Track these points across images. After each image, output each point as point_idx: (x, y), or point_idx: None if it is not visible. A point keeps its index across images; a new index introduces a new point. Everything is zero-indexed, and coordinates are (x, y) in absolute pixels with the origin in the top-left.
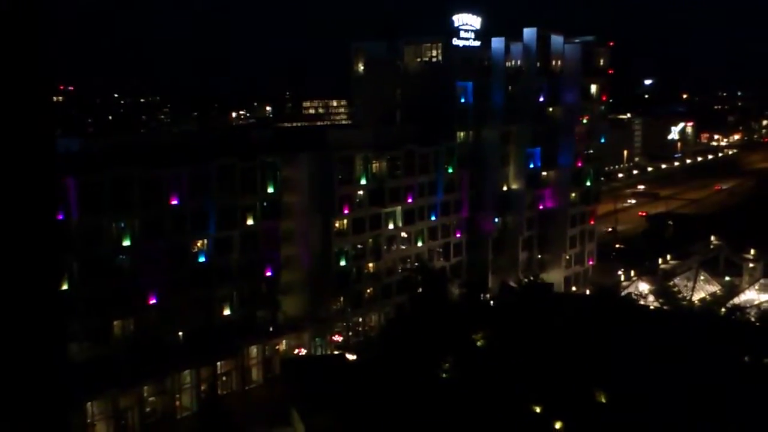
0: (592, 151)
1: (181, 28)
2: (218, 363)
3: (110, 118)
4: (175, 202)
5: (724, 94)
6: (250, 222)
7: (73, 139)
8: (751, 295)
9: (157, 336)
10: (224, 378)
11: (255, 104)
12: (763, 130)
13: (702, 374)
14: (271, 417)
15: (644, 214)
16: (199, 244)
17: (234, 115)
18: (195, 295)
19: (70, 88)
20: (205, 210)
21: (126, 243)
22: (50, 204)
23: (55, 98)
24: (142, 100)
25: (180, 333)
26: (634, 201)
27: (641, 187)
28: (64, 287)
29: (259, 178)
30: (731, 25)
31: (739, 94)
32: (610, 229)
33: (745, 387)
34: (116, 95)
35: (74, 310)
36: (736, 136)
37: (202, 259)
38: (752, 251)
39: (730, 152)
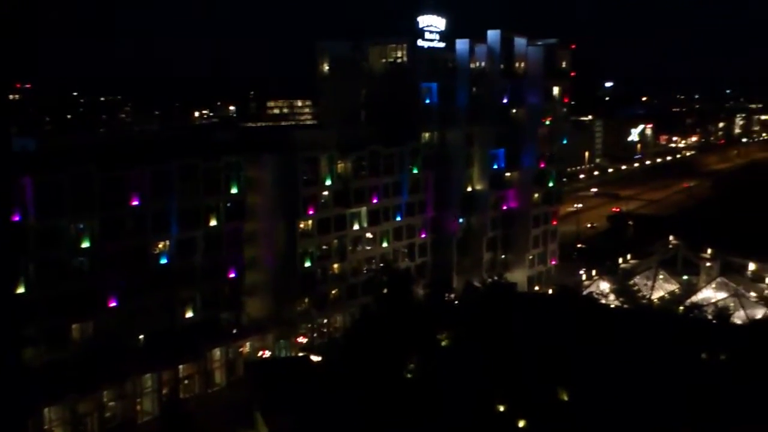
0: (554, 153)
1: (144, 25)
2: (180, 366)
3: (69, 116)
4: (136, 203)
5: (682, 97)
6: (213, 223)
7: (30, 138)
8: (708, 294)
9: (118, 339)
10: (186, 381)
11: (218, 103)
12: (720, 133)
13: (661, 371)
14: (234, 420)
15: (618, 209)
16: (160, 246)
17: (197, 114)
18: (156, 297)
19: (27, 85)
20: (167, 211)
21: (85, 244)
22: (3, 204)
23: (11, 96)
24: (102, 98)
25: (141, 336)
26: (580, 205)
27: (594, 190)
28: (20, 290)
29: (223, 179)
30: (690, 30)
31: (697, 97)
32: (590, 225)
33: (703, 383)
34: (75, 93)
35: (31, 313)
36: (694, 138)
37: (164, 261)
38: (709, 251)
39: (688, 154)
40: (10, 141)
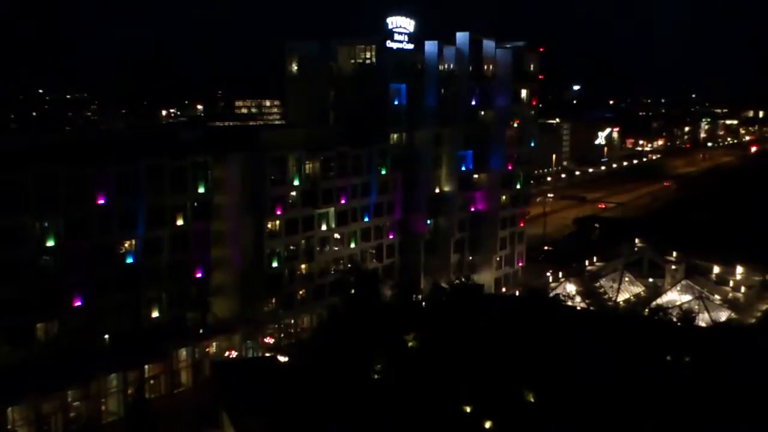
0: (522, 155)
1: (110, 24)
2: (146, 366)
3: (34, 114)
4: (101, 202)
5: (649, 100)
6: (180, 222)
7: None
8: (673, 296)
9: (83, 339)
10: (152, 381)
11: (186, 102)
12: (686, 137)
13: (626, 373)
14: (200, 420)
15: (604, 206)
16: (126, 245)
17: (164, 113)
18: (122, 296)
19: None
20: (133, 210)
21: (50, 243)
22: None
23: None
24: (68, 96)
25: (106, 335)
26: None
27: (550, 196)
28: None
29: (190, 178)
30: (656, 33)
31: (663, 101)
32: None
33: (667, 385)
34: (41, 91)
35: None
36: (660, 142)
37: (130, 260)
38: (674, 254)
39: (654, 157)
40: None
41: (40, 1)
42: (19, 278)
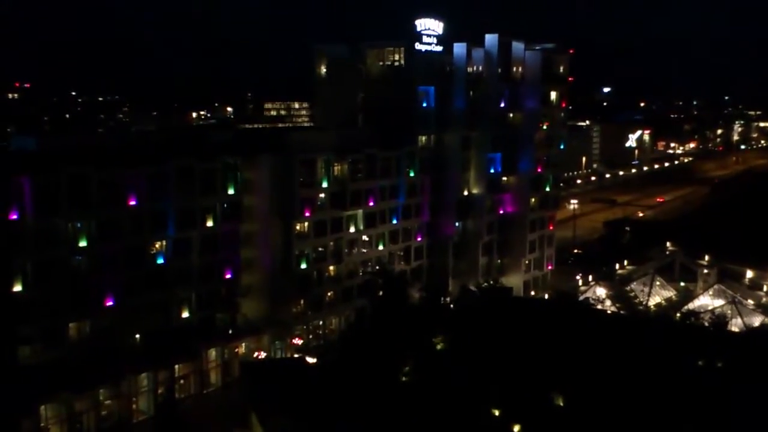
0: (551, 157)
1: (143, 27)
2: (176, 366)
3: (67, 116)
4: (133, 203)
5: (681, 102)
6: (209, 223)
7: (29, 137)
8: (705, 301)
9: (114, 338)
10: (182, 381)
11: (216, 104)
12: (718, 139)
13: (657, 378)
14: (229, 420)
15: (642, 213)
16: (157, 246)
17: (194, 115)
18: (153, 297)
19: (27, 85)
20: (163, 211)
21: (82, 244)
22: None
23: (10, 95)
24: (100, 98)
25: (137, 335)
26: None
27: (573, 202)
28: (18, 288)
29: (219, 180)
30: (689, 34)
31: (695, 103)
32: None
33: (699, 390)
34: (74, 93)
35: (28, 312)
36: (692, 145)
37: (160, 261)
38: (706, 257)
39: (686, 160)
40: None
41: (73, 4)
42: (53, 279)
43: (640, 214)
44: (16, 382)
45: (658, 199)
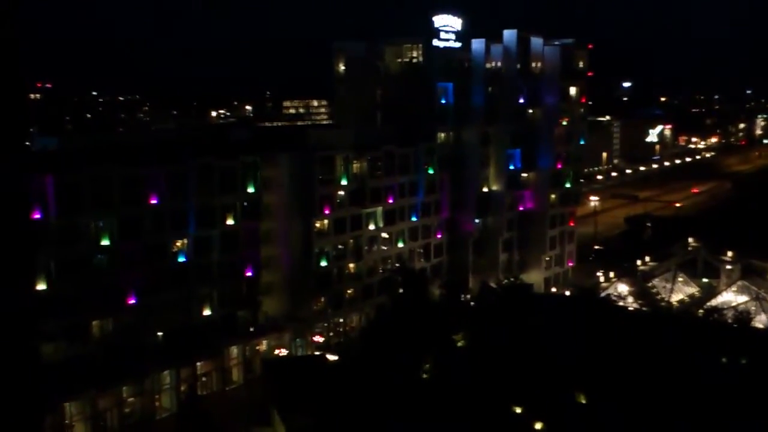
0: (571, 153)
1: (162, 27)
2: (198, 363)
3: (88, 116)
4: (154, 202)
5: (702, 97)
6: (230, 222)
7: (51, 137)
8: (728, 297)
9: (137, 336)
10: (204, 378)
11: (235, 103)
12: (740, 134)
13: (680, 375)
14: (251, 417)
15: (679, 204)
16: (178, 244)
17: (214, 114)
18: (175, 294)
19: (48, 85)
20: (184, 209)
21: (105, 242)
22: (22, 203)
23: (32, 96)
24: (120, 98)
25: (159, 333)
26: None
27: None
28: (41, 287)
29: (239, 178)
30: (708, 27)
31: (717, 97)
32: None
33: (723, 387)
34: (94, 93)
35: (52, 310)
36: (714, 139)
37: (181, 259)
38: (729, 253)
39: (708, 155)
40: (27, 140)
41: (93, 5)
42: (76, 277)
43: (677, 205)
44: (41, 380)
45: (693, 191)
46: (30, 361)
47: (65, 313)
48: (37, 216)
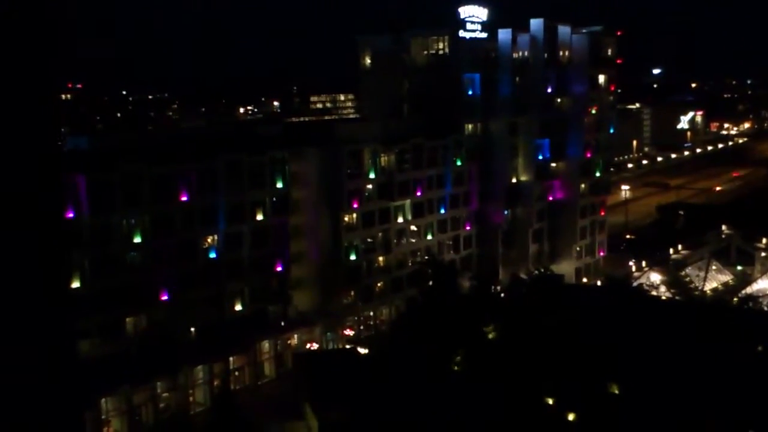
0: (601, 142)
1: (190, 25)
2: (230, 358)
3: (119, 115)
4: (184, 198)
5: (734, 82)
6: (259, 217)
7: (82, 136)
8: (763, 285)
9: (169, 332)
10: (237, 373)
11: (262, 99)
12: None
13: (714, 365)
14: (284, 411)
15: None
16: (209, 240)
17: (242, 110)
18: (206, 290)
19: (79, 85)
20: (214, 206)
21: (137, 239)
22: (56, 202)
23: (63, 96)
24: (150, 96)
25: (192, 329)
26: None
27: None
28: (76, 285)
29: (268, 173)
30: (740, 12)
31: (749, 82)
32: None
33: (759, 377)
34: (124, 92)
35: (86, 307)
36: (747, 125)
37: (212, 255)
38: (764, 240)
39: (741, 141)
40: (59, 139)
41: (127, 6)
42: (109, 274)
43: (718, 189)
44: (80, 377)
45: (733, 174)
46: (69, 359)
47: (99, 311)
48: (71, 215)
